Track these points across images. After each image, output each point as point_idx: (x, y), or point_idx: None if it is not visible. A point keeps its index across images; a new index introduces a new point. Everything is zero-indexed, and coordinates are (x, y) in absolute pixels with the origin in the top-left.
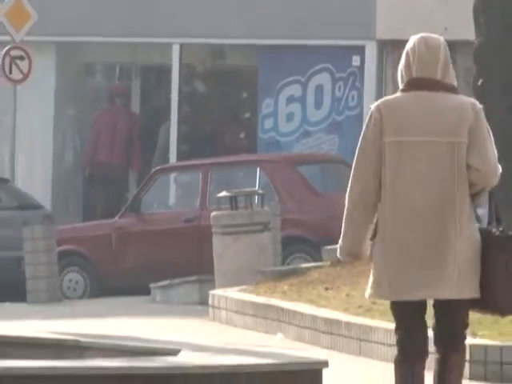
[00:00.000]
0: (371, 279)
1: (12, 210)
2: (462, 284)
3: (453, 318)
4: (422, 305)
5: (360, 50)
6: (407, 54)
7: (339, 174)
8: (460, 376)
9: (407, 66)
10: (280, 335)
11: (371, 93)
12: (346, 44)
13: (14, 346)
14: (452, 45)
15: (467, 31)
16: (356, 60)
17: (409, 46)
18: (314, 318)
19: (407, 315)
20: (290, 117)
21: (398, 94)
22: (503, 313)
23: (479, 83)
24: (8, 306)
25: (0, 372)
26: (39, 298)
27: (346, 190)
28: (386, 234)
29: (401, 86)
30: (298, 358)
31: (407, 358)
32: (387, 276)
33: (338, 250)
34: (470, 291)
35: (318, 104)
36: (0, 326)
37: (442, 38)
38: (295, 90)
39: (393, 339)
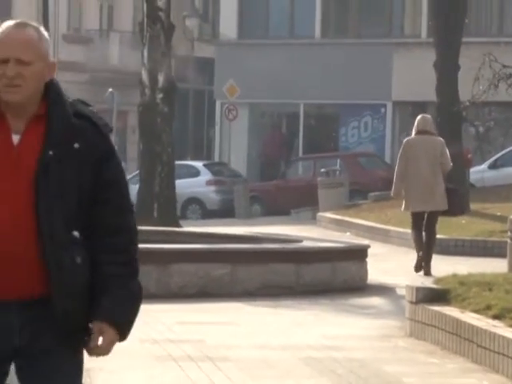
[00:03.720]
0: (403, 203)
1: (228, 177)
2: (439, 203)
3: (434, 217)
4: (422, 214)
5: (384, 106)
6: (417, 120)
7: (375, 162)
8: (434, 243)
9: (417, 125)
10: (348, 233)
11: (389, 125)
12: (377, 103)
13: (228, 238)
14: (422, 105)
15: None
16: (383, 110)
17: (417, 118)
18: (364, 226)
19: (417, 216)
20: (353, 136)
21: (413, 136)
22: (454, 215)
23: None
24: (226, 220)
25: (222, 249)
26: (240, 216)
27: (378, 170)
28: (409, 185)
29: (414, 133)
30: (356, 243)
31: (415, 229)
32: (409, 201)
33: (392, 192)
34: (443, 206)
35: (366, 130)
36: (221, 228)
37: (429, 115)
38: (355, 124)
39: (400, 235)
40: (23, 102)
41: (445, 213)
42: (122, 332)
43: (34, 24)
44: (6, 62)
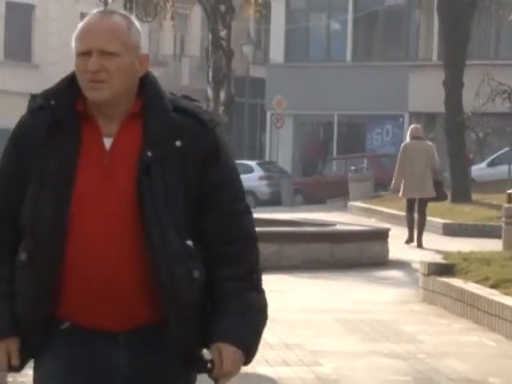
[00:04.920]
0: (401, 190)
1: (276, 174)
2: (428, 192)
3: (424, 202)
4: (414, 200)
5: (402, 116)
6: (411, 128)
7: (394, 161)
8: (425, 222)
9: (411, 132)
10: (373, 219)
11: (406, 133)
12: (397, 113)
13: (276, 223)
14: (433, 115)
15: (441, 107)
16: (401, 120)
17: (410, 127)
18: (386, 212)
19: (410, 202)
20: (377, 140)
21: (408, 141)
22: (439, 201)
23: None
24: (275, 207)
25: (271, 232)
26: (286, 205)
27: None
28: (406, 178)
29: (409, 139)
30: (379, 227)
31: (408, 211)
32: (406, 189)
33: (392, 186)
34: (431, 194)
35: (387, 135)
36: (270, 215)
37: (419, 125)
38: (379, 131)
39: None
40: (111, 99)
41: (431, 199)
42: (246, 353)
43: (123, 12)
44: (89, 53)
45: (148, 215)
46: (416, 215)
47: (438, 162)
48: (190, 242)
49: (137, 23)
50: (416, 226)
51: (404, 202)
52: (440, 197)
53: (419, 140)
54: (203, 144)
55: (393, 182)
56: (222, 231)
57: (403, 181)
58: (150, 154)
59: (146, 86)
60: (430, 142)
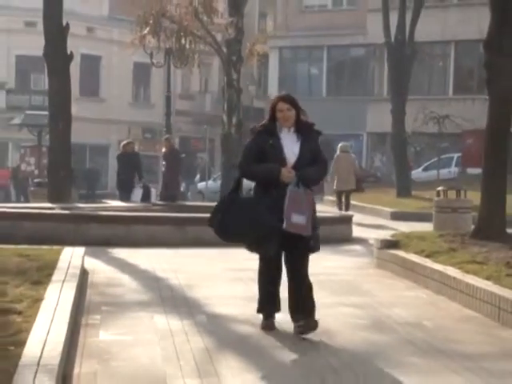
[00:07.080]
0: (334, 186)
1: None
2: (351, 185)
3: (349, 192)
4: (342, 192)
5: (362, 135)
6: (340, 145)
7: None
8: (350, 206)
9: (340, 148)
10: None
11: (365, 147)
12: (358, 133)
13: None
14: (384, 135)
15: (390, 129)
16: (361, 138)
17: (340, 145)
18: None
19: (339, 194)
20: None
21: (338, 153)
22: (359, 191)
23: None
24: None
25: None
26: None
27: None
28: (337, 178)
29: (339, 152)
30: (345, 214)
31: (338, 199)
32: (336, 184)
33: (329, 179)
34: (353, 187)
35: (351, 149)
36: None
37: (347, 143)
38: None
39: (371, 209)
40: None
41: (353, 190)
42: None
43: None
44: None
45: None
46: (344, 200)
47: (358, 168)
48: None
49: None
50: (343, 207)
51: (360, 196)
52: (359, 189)
53: (346, 153)
54: None
55: (329, 178)
56: None
57: (335, 179)
58: None
59: None
60: (353, 154)
